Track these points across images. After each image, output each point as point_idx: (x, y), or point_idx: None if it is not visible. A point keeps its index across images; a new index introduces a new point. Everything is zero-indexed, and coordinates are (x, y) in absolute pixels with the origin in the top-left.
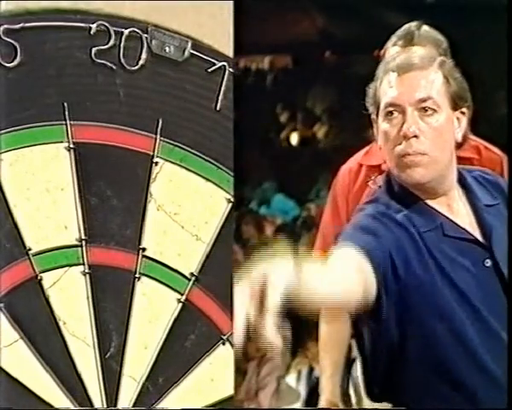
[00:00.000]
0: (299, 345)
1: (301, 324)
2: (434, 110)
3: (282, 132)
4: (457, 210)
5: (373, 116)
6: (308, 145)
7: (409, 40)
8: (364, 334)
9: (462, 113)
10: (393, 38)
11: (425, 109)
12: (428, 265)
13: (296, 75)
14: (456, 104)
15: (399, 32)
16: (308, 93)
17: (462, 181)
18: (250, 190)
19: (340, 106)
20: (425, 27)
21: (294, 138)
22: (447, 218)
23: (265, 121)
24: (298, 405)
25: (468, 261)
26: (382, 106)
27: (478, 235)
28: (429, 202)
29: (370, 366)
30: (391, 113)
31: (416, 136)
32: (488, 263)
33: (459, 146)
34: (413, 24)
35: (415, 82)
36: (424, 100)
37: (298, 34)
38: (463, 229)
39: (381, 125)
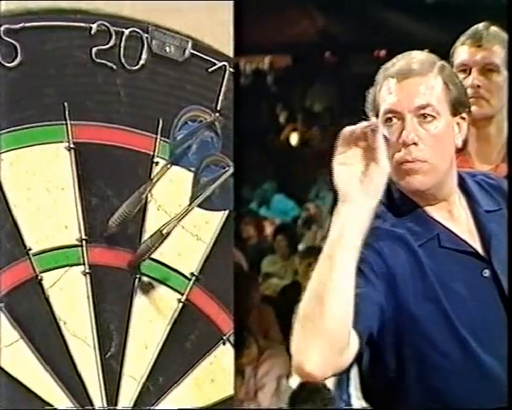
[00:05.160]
0: None
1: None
2: (434, 117)
3: (282, 132)
4: (458, 216)
5: None
6: (308, 145)
7: (477, 40)
8: (363, 356)
9: (463, 118)
10: (462, 38)
11: (424, 116)
12: (423, 282)
13: (296, 75)
14: (456, 110)
15: (468, 31)
16: (308, 93)
17: (462, 185)
18: (250, 191)
19: (340, 106)
20: (493, 28)
21: (294, 138)
22: (445, 228)
23: (265, 121)
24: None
25: (465, 273)
26: (381, 112)
27: (477, 243)
28: (429, 209)
29: (369, 385)
30: (390, 119)
31: (415, 143)
32: (486, 273)
33: (459, 151)
34: (481, 24)
35: (414, 89)
36: (423, 107)
37: (298, 34)
38: (462, 239)
39: None
